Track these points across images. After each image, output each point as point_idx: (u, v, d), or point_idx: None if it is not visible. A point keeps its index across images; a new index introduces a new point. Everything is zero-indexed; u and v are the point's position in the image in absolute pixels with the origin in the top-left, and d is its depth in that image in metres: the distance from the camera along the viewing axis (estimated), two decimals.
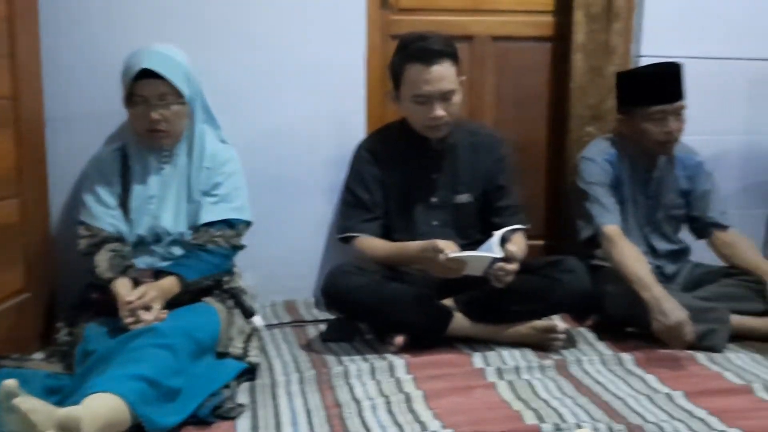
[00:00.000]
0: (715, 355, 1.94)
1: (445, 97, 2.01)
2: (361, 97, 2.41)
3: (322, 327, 2.16)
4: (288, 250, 2.40)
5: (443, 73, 1.99)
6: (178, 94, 1.82)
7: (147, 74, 1.78)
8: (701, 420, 1.54)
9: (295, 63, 2.32)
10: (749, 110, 2.71)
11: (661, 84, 2.15)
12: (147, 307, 1.65)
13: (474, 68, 2.57)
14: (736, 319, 2.05)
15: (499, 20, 2.59)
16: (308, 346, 2.03)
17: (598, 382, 1.77)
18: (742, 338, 2.05)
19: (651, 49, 2.55)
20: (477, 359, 1.91)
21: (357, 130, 2.38)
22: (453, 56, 2.03)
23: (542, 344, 1.99)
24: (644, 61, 2.53)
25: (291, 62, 2.31)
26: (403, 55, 2.03)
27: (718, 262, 2.33)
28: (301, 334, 2.13)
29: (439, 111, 2.01)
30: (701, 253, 2.39)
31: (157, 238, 1.86)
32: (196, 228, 1.87)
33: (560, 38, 2.59)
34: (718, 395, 1.67)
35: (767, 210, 2.66)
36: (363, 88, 2.40)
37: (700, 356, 1.93)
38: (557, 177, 2.68)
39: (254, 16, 2.28)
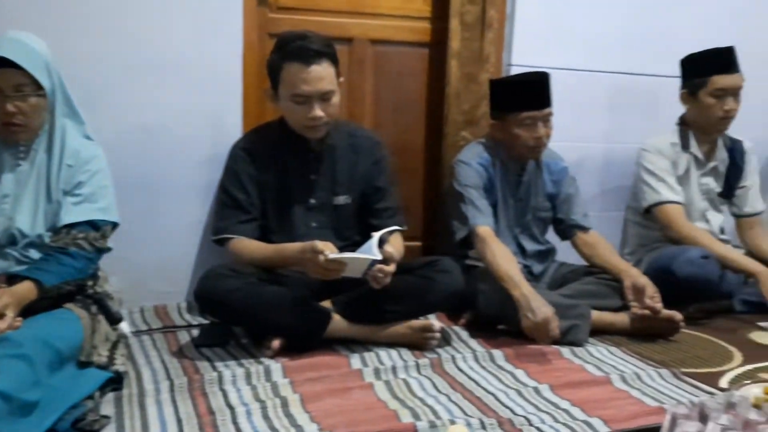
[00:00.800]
0: (578, 349, 2.05)
1: (324, 97, 2.00)
2: (237, 95, 2.35)
3: (195, 332, 2.09)
4: (159, 253, 2.30)
5: (322, 74, 1.98)
6: (36, 86, 1.68)
7: (1, 63, 1.64)
8: (565, 411, 1.63)
9: (168, 58, 2.22)
10: (608, 119, 2.91)
11: (532, 91, 2.26)
12: None
13: (353, 70, 2.58)
14: (596, 315, 2.18)
15: (378, 24, 2.61)
16: (180, 353, 1.95)
17: (471, 379, 1.82)
18: (601, 332, 2.19)
19: (521, 59, 2.68)
20: (354, 360, 1.92)
21: (233, 129, 2.33)
22: (332, 57, 2.03)
23: (419, 343, 2.03)
24: (515, 70, 2.65)
25: (164, 57, 2.22)
26: (282, 53, 2.00)
27: (580, 262, 2.47)
28: (172, 340, 2.05)
29: (318, 111, 2.00)
30: (566, 253, 2.54)
31: (12, 240, 1.72)
32: (56, 230, 1.74)
33: (437, 44, 2.66)
34: (580, 387, 1.77)
35: (623, 212, 2.85)
36: (239, 86, 2.35)
37: (565, 350, 2.04)
38: (434, 180, 2.74)
39: (124, 6, 2.16)
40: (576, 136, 2.81)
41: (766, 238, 2.68)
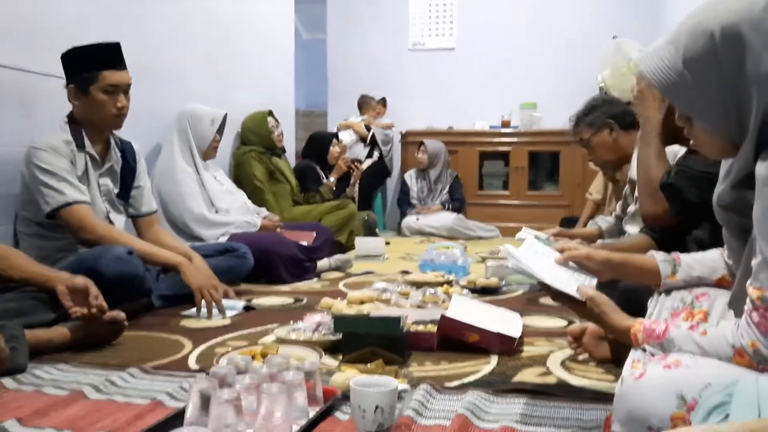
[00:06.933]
0: (22, 376, 1.67)
1: None
2: None
3: None
4: None
5: None
6: None
7: None
8: None
9: None
10: None
11: None
12: None
13: None
14: (30, 334, 1.80)
15: None
16: None
17: None
18: (40, 353, 1.83)
19: None
20: None
21: None
22: None
23: None
24: None
25: None
26: None
27: None
28: None
29: None
30: None
31: None
32: None
33: None
34: (55, 410, 1.43)
35: (12, 226, 2.46)
36: None
37: (7, 381, 1.62)
38: None
39: None
40: None
41: (167, 234, 2.75)
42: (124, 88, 2.48)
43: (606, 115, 2.69)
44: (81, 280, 1.91)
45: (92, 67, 2.41)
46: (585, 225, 4.06)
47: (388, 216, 6.33)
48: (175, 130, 3.35)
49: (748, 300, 1.11)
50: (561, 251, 1.55)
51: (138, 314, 2.38)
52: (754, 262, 1.11)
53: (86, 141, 2.47)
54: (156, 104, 3.37)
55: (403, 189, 5.87)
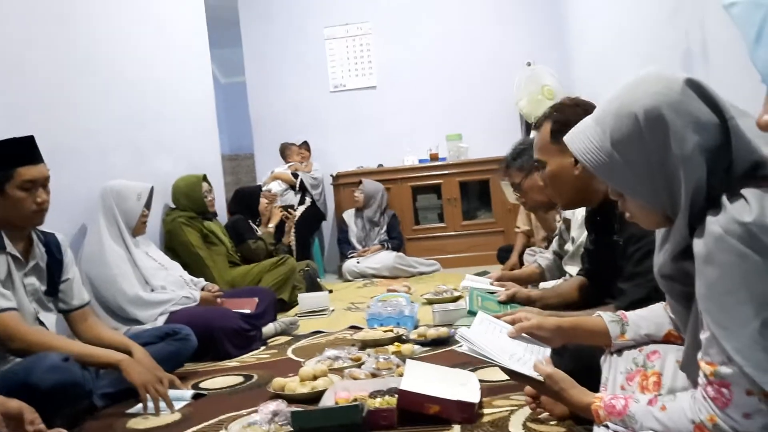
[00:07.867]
0: None
1: None
2: None
3: None
4: None
5: None
6: None
7: None
8: None
9: None
10: None
11: None
12: None
13: None
14: None
15: None
16: None
17: None
18: None
19: None
20: None
21: None
22: None
23: None
24: None
25: None
26: None
27: None
28: None
29: None
30: None
31: None
32: None
33: None
34: None
35: None
36: None
37: None
38: None
39: None
40: None
41: (103, 326, 2.63)
42: (42, 182, 2.37)
43: (534, 157, 2.75)
44: (15, 405, 1.79)
45: (6, 164, 2.29)
46: (520, 256, 4.14)
47: (327, 259, 6.28)
48: (100, 209, 3.22)
49: (701, 374, 1.13)
50: (512, 323, 1.56)
51: (80, 420, 2.26)
52: (703, 337, 1.13)
53: (6, 241, 2.34)
54: (77, 185, 3.24)
55: (342, 228, 5.86)
